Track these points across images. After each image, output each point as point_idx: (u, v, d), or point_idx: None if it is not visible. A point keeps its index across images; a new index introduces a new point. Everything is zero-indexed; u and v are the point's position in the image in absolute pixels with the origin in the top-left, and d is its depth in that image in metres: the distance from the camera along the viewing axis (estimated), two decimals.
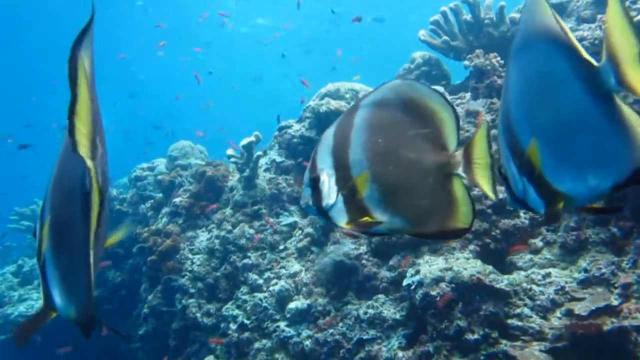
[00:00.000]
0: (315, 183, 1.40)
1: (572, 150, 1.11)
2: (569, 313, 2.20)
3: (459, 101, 3.42)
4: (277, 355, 3.06)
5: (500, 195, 2.33)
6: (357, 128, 1.38)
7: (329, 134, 1.43)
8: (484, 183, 1.32)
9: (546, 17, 1.08)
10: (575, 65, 1.04)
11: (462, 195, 1.35)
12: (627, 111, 1.02)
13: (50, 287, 1.02)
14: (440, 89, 3.57)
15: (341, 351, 2.76)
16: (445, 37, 3.98)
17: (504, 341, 2.29)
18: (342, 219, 1.40)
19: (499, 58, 3.26)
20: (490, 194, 1.33)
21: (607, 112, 1.03)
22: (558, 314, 2.27)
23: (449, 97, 3.50)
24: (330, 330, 2.85)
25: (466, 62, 3.42)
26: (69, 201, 0.98)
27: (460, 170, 1.32)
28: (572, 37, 1.05)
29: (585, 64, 1.03)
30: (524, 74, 1.16)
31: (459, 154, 1.33)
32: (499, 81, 3.15)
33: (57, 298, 1.01)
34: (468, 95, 3.38)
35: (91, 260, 0.93)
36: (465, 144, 1.32)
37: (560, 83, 1.08)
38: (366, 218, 1.36)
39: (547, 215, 1.22)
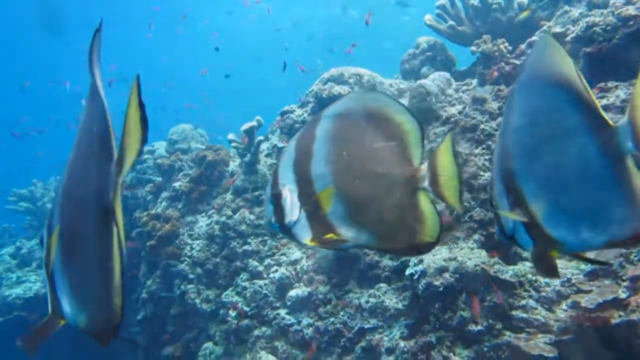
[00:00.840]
0: (277, 199, 1.35)
1: (572, 200, 1.12)
2: (575, 305, 2.15)
3: (465, 87, 3.36)
4: (276, 343, 3.03)
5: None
6: (319, 140, 1.33)
7: (290, 147, 1.38)
8: (450, 196, 1.29)
9: (564, 62, 1.08)
10: (590, 119, 1.05)
11: (428, 210, 1.31)
12: (636, 174, 1.02)
13: (59, 295, 1.01)
14: (446, 74, 3.50)
15: (342, 340, 2.73)
16: (451, 22, 3.91)
17: (508, 332, 2.26)
18: (305, 236, 1.35)
19: (506, 44, 3.20)
20: (457, 207, 1.31)
21: (616, 172, 1.03)
22: (564, 306, 2.24)
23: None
24: (331, 319, 2.82)
25: (473, 48, 3.35)
26: (81, 211, 0.96)
27: (426, 184, 1.28)
28: (589, 89, 1.06)
29: (600, 121, 1.04)
30: (530, 112, 1.16)
31: (424, 168, 1.29)
32: (507, 67, 3.08)
33: (66, 306, 1.00)
34: (474, 81, 3.32)
35: (117, 269, 0.92)
36: (430, 158, 1.29)
37: (570, 133, 1.09)
38: (331, 235, 1.32)
39: (535, 257, 1.23)
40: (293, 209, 1.34)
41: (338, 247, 1.37)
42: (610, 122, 1.02)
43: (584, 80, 1.06)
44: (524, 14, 3.54)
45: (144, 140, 0.89)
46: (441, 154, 1.28)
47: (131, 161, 0.90)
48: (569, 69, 1.07)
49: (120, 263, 0.92)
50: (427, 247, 1.34)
